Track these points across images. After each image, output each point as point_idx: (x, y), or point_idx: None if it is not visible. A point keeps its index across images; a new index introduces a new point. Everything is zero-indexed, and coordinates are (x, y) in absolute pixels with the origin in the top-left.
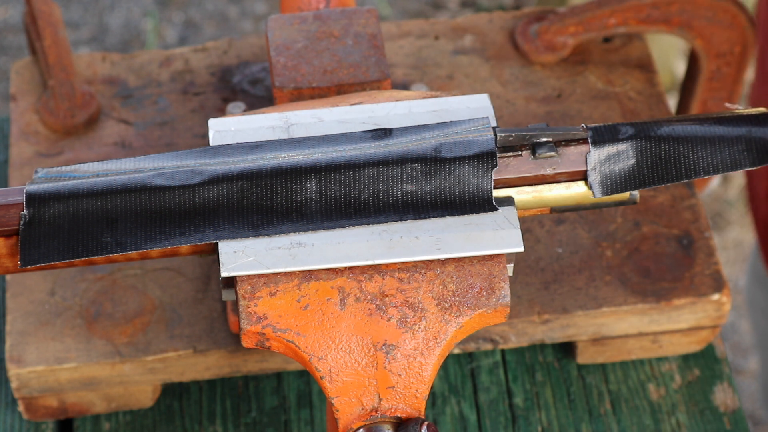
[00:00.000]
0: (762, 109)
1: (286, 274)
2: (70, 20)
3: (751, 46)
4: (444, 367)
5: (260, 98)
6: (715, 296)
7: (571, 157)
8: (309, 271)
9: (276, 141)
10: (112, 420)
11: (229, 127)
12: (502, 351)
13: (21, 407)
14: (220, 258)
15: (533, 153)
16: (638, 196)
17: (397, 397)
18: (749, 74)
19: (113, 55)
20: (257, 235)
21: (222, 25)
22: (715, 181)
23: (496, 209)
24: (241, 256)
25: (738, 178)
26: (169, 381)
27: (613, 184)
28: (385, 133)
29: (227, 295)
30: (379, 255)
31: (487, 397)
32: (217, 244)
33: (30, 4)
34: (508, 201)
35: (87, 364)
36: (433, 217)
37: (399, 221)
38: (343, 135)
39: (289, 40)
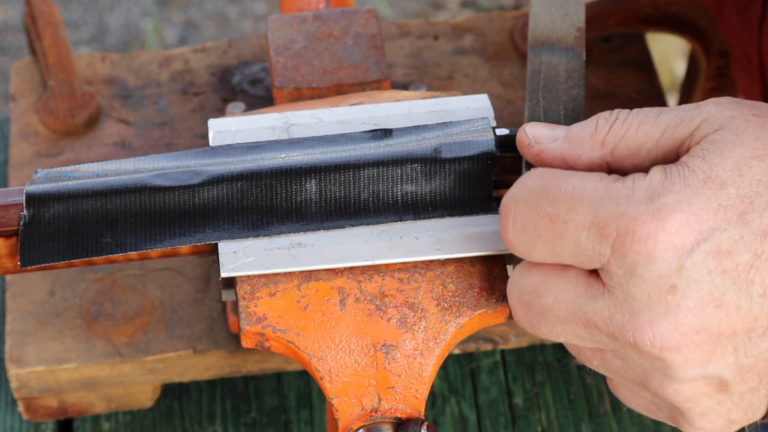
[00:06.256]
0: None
1: (285, 274)
2: (70, 20)
3: None
4: (444, 367)
5: (260, 98)
6: None
7: None
8: (309, 271)
9: (276, 141)
10: (111, 420)
11: (229, 128)
12: (502, 351)
13: (21, 407)
14: (219, 258)
15: None
16: None
17: (397, 397)
18: None
19: (113, 55)
20: (257, 236)
21: (222, 25)
22: None
23: (496, 210)
24: (240, 256)
25: None
26: (168, 381)
27: None
28: (384, 133)
29: (227, 296)
30: (379, 255)
31: (487, 397)
32: (216, 244)
33: (30, 4)
34: None
35: (87, 364)
36: (433, 217)
37: (399, 222)
38: (342, 135)
39: (288, 41)
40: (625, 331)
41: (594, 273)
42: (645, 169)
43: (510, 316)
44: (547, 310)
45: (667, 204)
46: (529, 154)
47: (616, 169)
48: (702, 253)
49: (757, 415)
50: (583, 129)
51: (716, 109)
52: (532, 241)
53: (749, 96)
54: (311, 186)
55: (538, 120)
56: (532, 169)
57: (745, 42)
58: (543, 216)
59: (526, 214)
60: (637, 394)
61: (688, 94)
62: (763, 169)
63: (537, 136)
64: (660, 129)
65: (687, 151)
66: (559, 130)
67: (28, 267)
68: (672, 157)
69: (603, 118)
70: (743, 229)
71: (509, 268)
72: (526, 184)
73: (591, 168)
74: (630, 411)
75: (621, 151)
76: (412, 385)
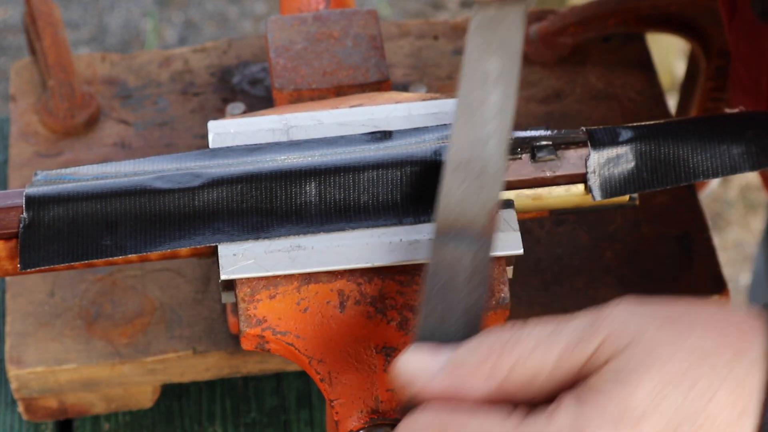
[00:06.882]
0: (762, 111)
1: (285, 276)
2: (70, 20)
3: None
4: None
5: (260, 98)
6: (715, 297)
7: (571, 160)
8: (308, 273)
9: (275, 143)
10: (111, 420)
11: (229, 130)
12: None
13: (21, 408)
14: (219, 261)
15: (533, 156)
16: (638, 199)
17: (397, 399)
18: None
19: (113, 55)
20: (257, 238)
21: (222, 26)
22: (714, 181)
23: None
24: (240, 258)
25: (737, 179)
26: (168, 382)
27: (612, 188)
28: (384, 135)
29: (227, 298)
30: (379, 258)
31: None
32: (216, 246)
33: (30, 4)
34: (508, 204)
35: (87, 365)
36: (433, 220)
37: (398, 224)
38: (342, 137)
39: (288, 42)
40: None
41: None
42: (543, 399)
43: (509, 317)
44: None
45: None
46: (408, 395)
47: (509, 401)
48: None
49: None
50: (470, 357)
51: (620, 322)
52: None
53: None
54: (311, 188)
55: (430, 335)
56: (425, 403)
57: (753, 66)
58: None
59: None
60: None
61: (688, 94)
62: (679, 395)
63: (415, 372)
64: (555, 353)
65: (591, 371)
66: (443, 357)
67: (28, 269)
68: (572, 380)
69: (488, 345)
70: None
71: (509, 269)
72: (419, 422)
73: (482, 401)
74: None
75: (513, 383)
76: None
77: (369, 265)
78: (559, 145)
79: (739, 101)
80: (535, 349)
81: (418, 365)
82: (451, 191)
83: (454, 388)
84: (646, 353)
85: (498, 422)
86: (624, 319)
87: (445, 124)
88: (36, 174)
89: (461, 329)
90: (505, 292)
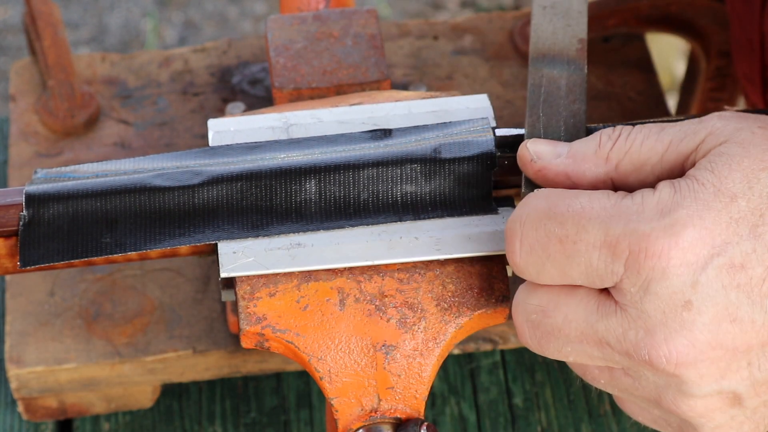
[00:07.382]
0: (764, 109)
1: (285, 274)
2: (69, 20)
3: None
4: (444, 368)
5: (260, 98)
6: None
7: None
8: (308, 271)
9: (275, 141)
10: (111, 420)
11: (229, 128)
12: (502, 351)
13: (20, 408)
14: (219, 258)
15: None
16: None
17: (397, 397)
18: None
19: (113, 55)
20: (256, 236)
21: (222, 26)
22: None
23: (496, 210)
24: (240, 256)
25: None
26: (168, 381)
27: None
28: (384, 133)
29: (227, 296)
30: (379, 255)
31: (487, 398)
32: (216, 244)
33: (30, 4)
34: (508, 201)
35: (86, 364)
36: (433, 217)
37: (398, 222)
38: (342, 135)
39: (288, 41)
40: (640, 348)
41: (604, 291)
42: (650, 185)
43: (510, 317)
44: (557, 329)
45: (678, 219)
46: (531, 171)
47: (620, 185)
48: (716, 268)
49: None
50: (586, 145)
51: (721, 122)
52: (541, 263)
53: (749, 81)
54: (311, 186)
55: (539, 136)
56: (536, 190)
57: (747, 23)
58: (552, 237)
59: (533, 235)
60: (646, 410)
61: (688, 94)
62: None
63: (539, 152)
64: (664, 143)
65: (693, 165)
66: (561, 147)
67: (28, 267)
68: (677, 171)
69: (606, 135)
70: (755, 242)
71: (509, 268)
72: (531, 204)
73: (595, 185)
74: None
75: (625, 166)
76: (411, 386)
77: (369, 263)
78: None
79: (738, 58)
80: (645, 140)
81: (542, 146)
82: (541, 26)
83: (574, 167)
84: (741, 146)
85: (601, 197)
86: (724, 122)
87: (445, 122)
88: (36, 172)
89: (565, 134)
90: (505, 290)
